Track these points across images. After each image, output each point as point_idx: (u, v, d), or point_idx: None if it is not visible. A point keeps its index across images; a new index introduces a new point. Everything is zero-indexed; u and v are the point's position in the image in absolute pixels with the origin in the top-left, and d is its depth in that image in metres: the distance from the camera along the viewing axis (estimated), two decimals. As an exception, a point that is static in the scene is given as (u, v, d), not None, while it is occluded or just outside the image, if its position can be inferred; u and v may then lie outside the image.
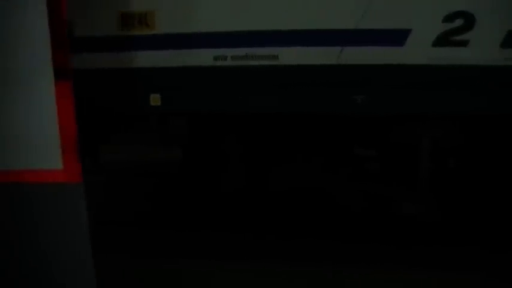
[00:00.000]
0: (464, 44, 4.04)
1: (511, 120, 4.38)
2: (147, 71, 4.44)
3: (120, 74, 4.39)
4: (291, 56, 4.30)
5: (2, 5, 2.89)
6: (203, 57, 4.40)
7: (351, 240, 4.64)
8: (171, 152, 5.38)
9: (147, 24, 4.41)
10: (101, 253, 3.11)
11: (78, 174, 2.97)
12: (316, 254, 4.47)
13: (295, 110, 4.43)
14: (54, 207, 3.01)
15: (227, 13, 4.37)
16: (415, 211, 4.72)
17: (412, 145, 4.69)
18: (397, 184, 4.81)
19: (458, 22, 4.05)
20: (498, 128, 4.59)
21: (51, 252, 3.05)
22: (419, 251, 4.40)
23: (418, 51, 4.13)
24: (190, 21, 4.38)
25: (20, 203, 3.04)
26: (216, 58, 4.39)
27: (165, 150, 5.48)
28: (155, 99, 4.50)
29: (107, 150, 5.14)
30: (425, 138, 4.64)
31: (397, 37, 4.15)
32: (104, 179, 5.59)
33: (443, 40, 4.08)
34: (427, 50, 4.11)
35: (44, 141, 2.96)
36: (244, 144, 5.09)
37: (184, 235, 4.77)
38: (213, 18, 4.36)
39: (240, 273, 4.12)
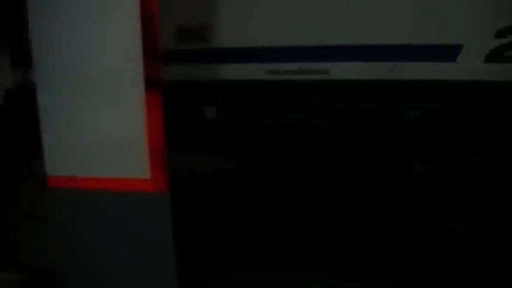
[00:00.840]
0: (517, 59, 4.08)
1: None
2: (203, 84, 4.51)
3: (177, 86, 4.44)
4: (342, 70, 4.36)
5: (96, 15, 2.95)
6: (256, 71, 4.49)
7: (399, 255, 4.63)
8: (227, 162, 5.43)
9: (204, 38, 4.48)
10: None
11: (165, 183, 3.02)
12: (367, 267, 4.48)
13: (347, 124, 4.47)
14: (141, 215, 3.05)
15: (280, 28, 4.44)
16: (465, 229, 4.72)
17: (464, 161, 4.70)
18: (447, 200, 4.81)
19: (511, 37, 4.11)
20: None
21: (135, 259, 3.09)
22: (468, 269, 4.37)
23: (470, 67, 4.17)
24: (245, 35, 4.46)
25: (107, 210, 3.10)
26: (269, 72, 4.46)
27: (220, 160, 5.51)
28: (210, 111, 4.58)
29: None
30: (478, 154, 4.66)
31: (449, 52, 4.19)
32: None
33: (495, 55, 4.13)
34: (479, 66, 4.15)
35: (133, 150, 3.00)
36: (297, 156, 5.14)
37: (243, 245, 4.79)
38: (266, 33, 4.45)
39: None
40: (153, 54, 2.92)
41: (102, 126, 3.05)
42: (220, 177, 5.71)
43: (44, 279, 3.71)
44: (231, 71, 4.51)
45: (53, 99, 3.15)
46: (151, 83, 2.94)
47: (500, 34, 4.09)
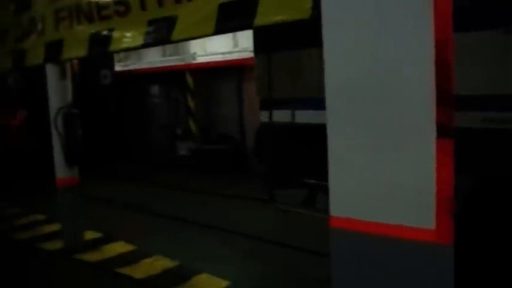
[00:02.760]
0: None
1: None
2: None
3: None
4: None
5: (391, 58, 2.99)
6: (472, 118, 4.36)
7: None
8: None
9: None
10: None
11: (450, 235, 2.86)
12: None
13: None
14: (420, 265, 2.94)
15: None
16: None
17: None
18: None
19: None
20: None
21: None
22: None
23: None
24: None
25: (386, 255, 3.06)
26: (484, 120, 4.35)
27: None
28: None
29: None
30: None
31: None
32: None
33: None
34: None
35: (418, 198, 2.93)
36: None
37: None
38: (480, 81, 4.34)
39: None
40: (447, 100, 2.83)
41: (388, 170, 3.04)
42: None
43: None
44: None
45: (341, 139, 3.25)
46: (444, 130, 2.84)
47: None
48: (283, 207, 7.34)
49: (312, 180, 6.83)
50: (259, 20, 4.38)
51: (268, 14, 4.34)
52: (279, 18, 4.33)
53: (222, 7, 4.65)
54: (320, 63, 6.30)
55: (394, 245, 3.03)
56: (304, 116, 6.69)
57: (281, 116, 6.97)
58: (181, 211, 9.33)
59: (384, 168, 3.08)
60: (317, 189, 6.80)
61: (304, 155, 6.83)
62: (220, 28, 4.71)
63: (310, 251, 6.82)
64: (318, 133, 6.58)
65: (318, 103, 6.42)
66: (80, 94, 7.59)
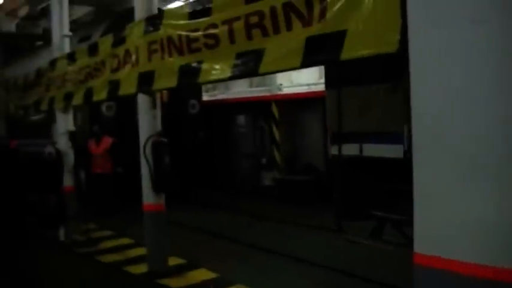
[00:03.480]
0: None
1: None
2: None
3: None
4: None
5: (478, 96, 2.93)
6: None
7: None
8: None
9: None
10: None
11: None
12: None
13: None
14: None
15: None
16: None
17: None
18: None
19: None
20: None
21: None
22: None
23: None
24: None
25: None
26: None
27: None
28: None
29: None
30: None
31: None
32: None
33: None
34: None
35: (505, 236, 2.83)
36: None
37: None
38: None
39: None
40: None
41: (478, 207, 2.96)
42: None
43: None
44: None
45: (427, 176, 3.20)
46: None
47: None
48: (351, 238, 7.41)
49: (379, 212, 6.92)
50: (346, 54, 4.40)
51: (354, 48, 4.36)
52: (365, 52, 4.33)
53: (309, 40, 4.71)
54: (386, 99, 6.46)
55: (485, 287, 2.93)
56: (371, 150, 6.83)
57: (350, 149, 7.08)
58: (264, 241, 9.37)
59: (471, 205, 3.00)
60: (384, 221, 6.95)
61: (372, 187, 6.96)
62: (307, 61, 4.77)
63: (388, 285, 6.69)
64: (385, 166, 6.73)
65: (384, 137, 6.60)
66: (169, 123, 7.83)
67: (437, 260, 3.17)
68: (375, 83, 6.74)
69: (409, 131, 6.07)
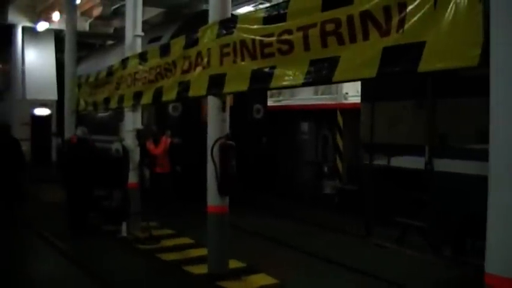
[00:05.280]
0: None
1: None
2: None
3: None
4: None
5: None
6: None
7: None
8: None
9: None
10: None
11: None
12: None
13: None
14: None
15: None
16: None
17: None
18: None
19: None
20: None
21: None
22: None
23: None
24: None
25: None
26: None
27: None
28: None
29: None
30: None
31: None
32: None
33: None
34: None
35: None
36: None
37: None
38: None
39: None
40: None
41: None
42: None
43: None
44: None
45: (505, 196, 3.11)
46: None
47: None
48: (378, 242, 8.20)
49: (402, 219, 7.55)
50: (424, 66, 4.33)
51: (433, 61, 4.29)
52: (443, 65, 4.26)
53: (386, 51, 4.65)
54: (412, 114, 6.83)
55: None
56: (398, 161, 7.57)
57: (380, 159, 7.86)
58: (324, 250, 9.28)
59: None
60: (407, 228, 7.57)
61: (397, 195, 7.62)
62: (383, 72, 4.71)
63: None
64: (409, 176, 7.05)
65: (411, 149, 7.16)
66: (233, 126, 7.87)
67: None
68: (403, 100, 7.54)
69: (431, 144, 6.74)
